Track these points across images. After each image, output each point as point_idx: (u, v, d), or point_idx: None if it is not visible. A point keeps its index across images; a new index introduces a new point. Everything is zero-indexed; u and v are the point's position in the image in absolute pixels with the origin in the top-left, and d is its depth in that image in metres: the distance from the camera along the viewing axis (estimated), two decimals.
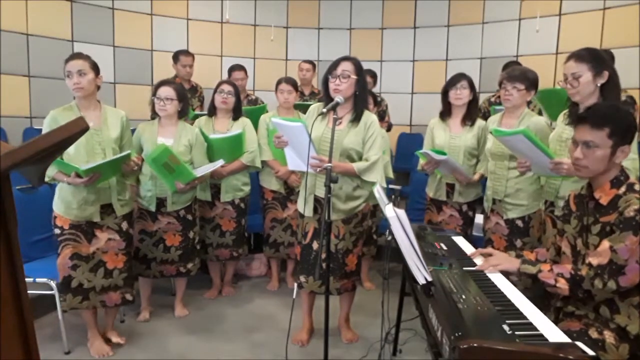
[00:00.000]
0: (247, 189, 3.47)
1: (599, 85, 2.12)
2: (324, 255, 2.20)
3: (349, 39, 6.13)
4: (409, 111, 6.04)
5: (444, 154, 2.84)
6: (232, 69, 4.46)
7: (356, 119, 2.56)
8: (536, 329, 1.35)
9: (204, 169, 3.03)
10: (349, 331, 2.89)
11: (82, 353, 2.66)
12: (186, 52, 4.56)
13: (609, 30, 4.67)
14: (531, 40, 5.23)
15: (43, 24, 4.78)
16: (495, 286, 1.68)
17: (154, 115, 3.12)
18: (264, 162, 3.46)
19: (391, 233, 1.64)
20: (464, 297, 1.51)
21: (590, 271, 1.58)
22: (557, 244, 1.93)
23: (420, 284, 1.59)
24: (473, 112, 3.02)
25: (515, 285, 1.71)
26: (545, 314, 1.47)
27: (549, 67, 4.96)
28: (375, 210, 3.49)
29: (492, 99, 4.22)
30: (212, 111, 3.42)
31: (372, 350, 2.71)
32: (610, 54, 3.44)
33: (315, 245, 2.65)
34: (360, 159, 2.57)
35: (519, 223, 2.68)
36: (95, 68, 2.49)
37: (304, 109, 3.38)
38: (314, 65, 4.73)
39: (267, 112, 3.78)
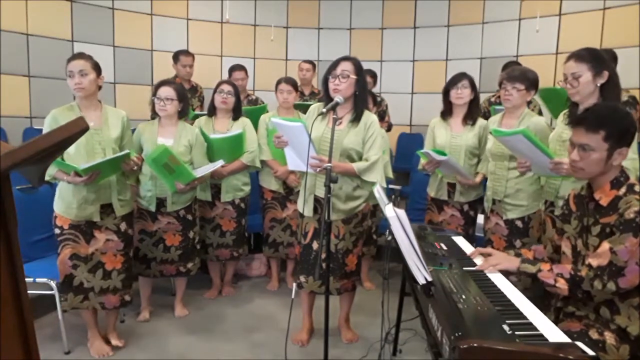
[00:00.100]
0: (247, 189, 3.47)
1: (598, 85, 2.12)
2: (324, 255, 2.20)
3: (349, 39, 6.13)
4: (409, 111, 6.04)
5: (444, 154, 2.84)
6: (232, 69, 4.47)
7: (356, 119, 2.56)
8: (536, 329, 1.35)
9: (204, 169, 3.03)
10: (349, 331, 2.89)
11: (82, 353, 2.66)
12: (186, 52, 4.56)
13: (609, 30, 4.67)
14: (531, 40, 5.22)
15: (43, 24, 4.78)
16: (495, 286, 1.68)
17: (154, 115, 3.12)
18: (263, 162, 3.47)
19: (391, 233, 1.64)
20: (464, 297, 1.51)
21: (590, 272, 1.58)
22: (555, 242, 1.94)
23: (420, 284, 1.59)
24: (474, 112, 3.02)
25: (515, 285, 1.71)
26: (545, 314, 1.47)
27: (549, 67, 4.96)
28: (375, 210, 3.49)
29: (492, 99, 4.22)
30: (212, 111, 3.42)
31: (372, 350, 2.71)
32: (613, 54, 3.44)
33: (315, 245, 2.65)
34: (360, 159, 2.57)
35: (519, 223, 2.68)
36: (97, 68, 2.50)
37: (304, 109, 3.38)
38: (314, 65, 4.73)
39: (267, 112, 3.78)
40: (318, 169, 2.43)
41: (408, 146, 5.58)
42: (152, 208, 2.97)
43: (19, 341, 0.98)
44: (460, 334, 1.26)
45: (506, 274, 1.79)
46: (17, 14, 4.60)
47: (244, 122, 3.39)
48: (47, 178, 2.42)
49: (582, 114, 1.72)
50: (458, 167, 2.87)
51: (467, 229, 3.04)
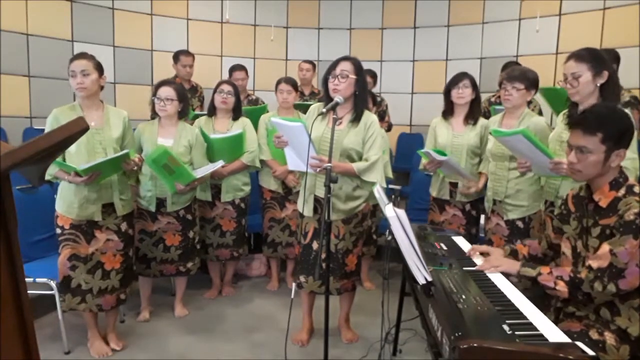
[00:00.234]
0: (247, 189, 3.47)
1: (598, 85, 2.12)
2: (323, 255, 2.20)
3: (349, 39, 6.13)
4: (409, 111, 6.04)
5: (444, 154, 2.84)
6: (233, 69, 4.47)
7: (356, 119, 2.56)
8: (536, 329, 1.35)
9: (204, 169, 3.03)
10: (349, 331, 2.89)
11: (82, 353, 2.66)
12: (186, 52, 4.56)
13: (609, 30, 4.67)
14: (531, 40, 5.22)
15: (43, 24, 4.78)
16: (495, 286, 1.68)
17: (154, 115, 3.12)
18: (262, 162, 3.47)
19: (391, 233, 1.64)
20: (464, 297, 1.51)
21: (590, 274, 1.58)
22: (550, 239, 1.94)
23: (420, 284, 1.59)
24: (476, 111, 3.02)
25: (515, 285, 1.71)
26: (545, 314, 1.47)
27: (549, 67, 4.96)
28: (375, 210, 3.49)
29: (492, 99, 4.22)
30: (212, 111, 3.42)
31: (372, 350, 2.71)
32: (616, 54, 3.44)
33: (315, 245, 2.65)
34: (360, 159, 2.57)
35: (519, 224, 2.68)
36: (99, 68, 2.50)
37: (304, 108, 3.38)
38: (314, 65, 4.73)
39: (267, 112, 3.78)
40: (318, 169, 2.43)
41: (408, 146, 5.58)
42: (152, 208, 2.98)
43: (19, 341, 0.98)
44: (460, 334, 1.26)
45: (506, 274, 1.80)
46: (17, 14, 4.60)
47: (244, 122, 3.39)
48: (48, 177, 2.43)
49: (579, 116, 1.72)
50: (458, 167, 2.87)
51: (469, 228, 3.04)
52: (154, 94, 2.97)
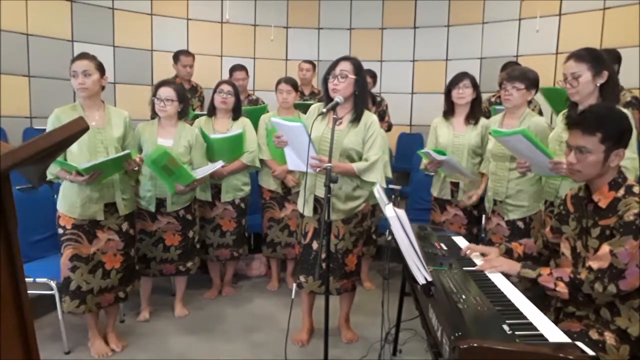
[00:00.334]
0: (247, 189, 3.47)
1: (598, 85, 2.12)
2: (323, 255, 2.20)
3: (349, 39, 6.13)
4: (409, 111, 6.04)
5: (444, 154, 2.84)
6: (233, 69, 4.47)
7: (356, 119, 2.56)
8: (536, 329, 1.35)
9: (204, 170, 3.03)
10: (349, 331, 2.89)
11: (82, 353, 2.66)
12: (186, 52, 4.56)
13: (609, 30, 4.67)
14: (531, 40, 5.22)
15: (43, 24, 4.78)
16: (495, 286, 1.68)
17: (154, 115, 3.12)
18: (262, 162, 3.47)
19: (391, 233, 1.64)
20: (464, 297, 1.51)
21: (590, 275, 1.58)
22: (547, 238, 1.94)
23: (420, 284, 1.59)
24: (477, 111, 3.02)
25: (515, 285, 1.71)
26: (545, 314, 1.47)
27: (549, 67, 4.96)
28: (374, 210, 3.49)
29: (493, 99, 4.22)
30: (212, 111, 3.42)
31: (372, 350, 2.71)
32: (617, 54, 3.44)
33: (315, 245, 2.65)
34: (360, 159, 2.57)
35: (520, 224, 2.67)
36: (101, 69, 2.51)
37: (304, 108, 3.38)
38: (314, 65, 4.73)
39: (267, 112, 3.78)
40: (318, 169, 2.43)
41: (408, 146, 5.58)
42: (152, 208, 2.98)
43: (19, 341, 0.98)
44: (460, 334, 1.26)
45: (506, 274, 1.80)
46: (17, 14, 4.60)
47: (244, 122, 3.39)
48: (49, 177, 2.43)
49: (578, 116, 1.72)
50: (459, 166, 2.87)
51: (470, 228, 3.04)
52: (154, 94, 2.97)
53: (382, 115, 4.20)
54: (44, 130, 3.67)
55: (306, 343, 2.82)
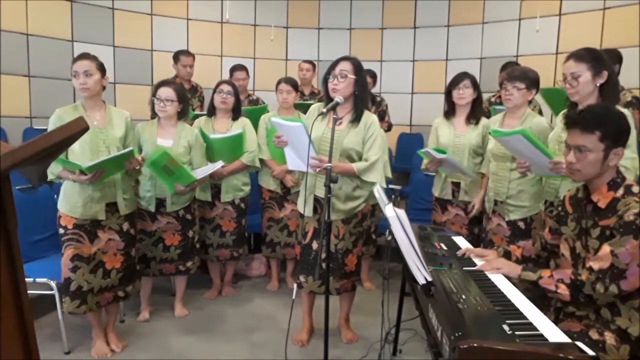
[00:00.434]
0: (247, 189, 3.47)
1: (598, 85, 2.12)
2: (323, 255, 2.20)
3: (349, 39, 6.13)
4: (409, 111, 6.04)
5: (444, 152, 2.83)
6: (233, 69, 4.46)
7: (356, 119, 2.56)
8: (536, 329, 1.35)
9: (204, 170, 3.03)
10: (349, 331, 2.89)
11: (82, 353, 2.66)
12: (186, 52, 4.56)
13: (609, 30, 4.67)
14: (531, 40, 5.22)
15: (43, 24, 4.78)
16: (495, 286, 1.68)
17: (154, 115, 3.12)
18: (262, 162, 3.47)
19: (391, 233, 1.64)
20: (464, 297, 1.51)
21: (591, 276, 1.58)
22: (545, 240, 1.94)
23: (420, 284, 1.59)
24: (477, 111, 3.02)
25: (516, 286, 1.71)
26: (545, 314, 1.47)
27: (549, 67, 4.96)
28: (374, 209, 3.49)
29: (493, 99, 4.21)
30: (212, 111, 3.42)
31: (372, 350, 2.71)
32: (618, 54, 3.44)
33: (315, 245, 2.65)
34: (360, 159, 2.57)
35: (521, 224, 2.67)
36: (102, 69, 2.52)
37: (304, 108, 3.38)
38: (314, 65, 4.73)
39: (267, 112, 3.78)
40: (318, 169, 2.43)
41: (408, 146, 5.58)
42: (152, 208, 2.98)
43: (19, 341, 0.98)
44: (460, 334, 1.26)
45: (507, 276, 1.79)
46: (17, 14, 4.60)
47: (244, 122, 3.39)
48: (51, 177, 2.44)
49: (576, 115, 1.72)
50: (459, 165, 2.86)
51: (471, 228, 3.03)
52: (154, 94, 2.97)
53: (382, 115, 4.20)
54: (44, 130, 3.68)
55: (306, 343, 2.82)
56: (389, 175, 3.56)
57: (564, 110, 2.33)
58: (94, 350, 2.64)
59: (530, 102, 2.77)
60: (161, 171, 2.78)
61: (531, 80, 2.65)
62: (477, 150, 2.99)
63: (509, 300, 1.55)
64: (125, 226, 2.65)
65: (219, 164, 3.09)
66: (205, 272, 3.61)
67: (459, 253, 2.04)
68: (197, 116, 3.62)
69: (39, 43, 4.77)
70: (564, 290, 1.62)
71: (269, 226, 3.62)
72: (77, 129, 0.99)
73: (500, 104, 3.40)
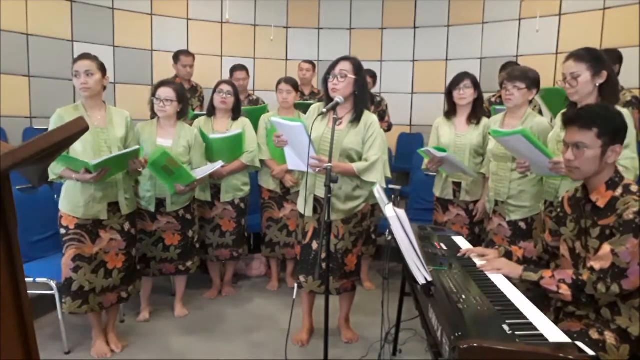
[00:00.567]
0: (247, 189, 3.47)
1: (597, 85, 2.12)
2: (323, 255, 2.20)
3: (349, 39, 6.13)
4: (409, 111, 6.04)
5: (445, 151, 2.83)
6: (233, 69, 4.46)
7: (356, 119, 2.56)
8: (536, 329, 1.35)
9: (204, 170, 3.03)
10: (349, 331, 2.89)
11: (82, 353, 2.66)
12: (186, 52, 4.56)
13: (609, 30, 4.67)
14: (531, 40, 5.22)
15: (43, 24, 4.78)
16: (495, 286, 1.68)
17: (154, 115, 3.13)
18: (262, 162, 3.47)
19: (391, 233, 1.64)
20: (464, 297, 1.51)
21: (593, 275, 1.58)
22: (546, 242, 1.94)
23: (420, 284, 1.59)
24: (478, 111, 3.01)
25: (517, 286, 1.71)
26: (545, 314, 1.47)
27: (549, 67, 4.96)
28: (373, 209, 3.49)
29: (493, 99, 4.22)
30: (212, 111, 3.42)
31: (372, 350, 2.71)
32: (618, 54, 3.43)
33: (314, 245, 2.65)
34: (360, 159, 2.57)
35: (522, 225, 2.67)
36: (103, 69, 2.53)
37: (304, 108, 3.38)
38: (314, 65, 4.73)
39: (267, 112, 3.78)
40: (318, 169, 2.43)
41: (408, 146, 5.58)
42: (152, 208, 2.98)
43: (19, 341, 0.98)
44: (460, 334, 1.26)
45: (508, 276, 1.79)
46: (17, 14, 4.60)
47: (244, 122, 3.39)
48: (52, 177, 2.44)
49: (574, 113, 1.73)
50: (459, 164, 2.85)
51: (472, 228, 3.03)
52: (153, 94, 2.97)
53: (382, 115, 4.20)
54: (44, 130, 3.67)
55: (306, 343, 2.82)
56: (389, 175, 3.57)
57: (564, 110, 2.33)
58: (94, 350, 2.64)
59: (530, 102, 2.77)
60: (161, 171, 2.78)
61: (532, 80, 2.65)
62: (478, 150, 2.98)
63: (509, 300, 1.55)
64: (127, 226, 2.66)
65: (218, 164, 3.08)
66: (205, 272, 3.61)
67: (459, 254, 2.04)
68: (197, 116, 3.62)
69: (39, 43, 4.77)
70: (565, 291, 1.62)
71: (268, 226, 3.62)
72: (77, 129, 0.99)
73: (501, 104, 3.40)
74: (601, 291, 1.55)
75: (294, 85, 3.55)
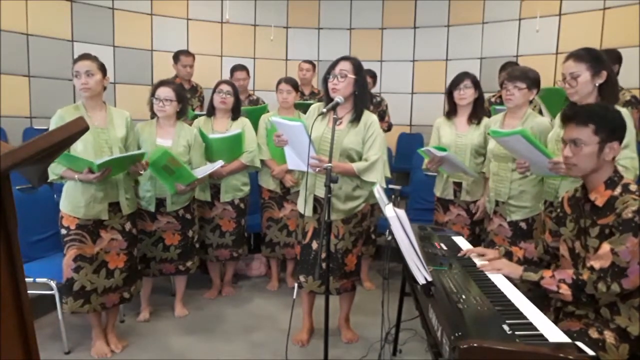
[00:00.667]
0: (246, 189, 3.47)
1: (597, 85, 2.12)
2: (323, 255, 2.20)
3: (349, 39, 6.13)
4: (409, 111, 6.03)
5: (444, 150, 2.83)
6: (234, 69, 4.46)
7: (356, 119, 2.56)
8: (536, 329, 1.35)
9: (204, 169, 3.03)
10: (349, 331, 2.89)
11: (82, 353, 2.66)
12: (186, 52, 4.56)
13: (609, 30, 4.67)
14: (531, 40, 5.22)
15: (43, 24, 4.78)
16: (495, 286, 1.68)
17: (153, 115, 3.13)
18: (262, 162, 3.47)
19: (391, 233, 1.64)
20: (464, 297, 1.51)
21: (593, 275, 1.58)
22: (546, 243, 1.94)
23: (420, 284, 1.59)
24: (479, 111, 3.01)
25: (518, 286, 1.71)
26: (545, 314, 1.47)
27: (549, 67, 4.96)
28: (372, 209, 3.49)
29: (493, 99, 4.22)
30: (211, 111, 3.42)
31: (372, 350, 2.71)
32: (617, 54, 3.43)
33: (314, 245, 2.65)
34: (360, 159, 2.57)
35: (523, 225, 2.66)
36: (103, 69, 2.54)
37: (304, 108, 3.38)
38: (313, 65, 4.73)
39: (267, 112, 3.78)
40: (318, 169, 2.43)
41: (408, 146, 5.57)
42: (152, 208, 2.98)
43: (19, 341, 0.98)
44: (460, 334, 1.26)
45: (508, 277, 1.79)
46: (17, 14, 4.60)
47: (243, 122, 3.39)
48: (53, 177, 2.44)
49: (571, 110, 1.74)
50: (459, 163, 2.85)
51: (473, 228, 3.02)
52: (153, 94, 2.97)
53: (382, 115, 4.20)
54: (44, 130, 3.67)
55: (306, 343, 2.82)
56: (388, 175, 3.56)
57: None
58: (94, 350, 2.64)
59: (530, 102, 2.77)
60: (161, 171, 2.79)
61: (532, 80, 2.65)
62: (479, 150, 2.98)
63: (509, 300, 1.55)
64: (128, 226, 2.66)
65: (218, 164, 3.08)
66: (205, 272, 3.61)
67: (459, 254, 2.04)
68: (196, 116, 3.62)
69: (39, 43, 4.77)
70: (565, 291, 1.62)
71: (268, 226, 3.62)
72: (77, 129, 0.99)
73: (501, 104, 3.40)
74: (601, 290, 1.55)
75: (294, 85, 3.55)
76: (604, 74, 2.11)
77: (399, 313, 2.57)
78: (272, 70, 5.86)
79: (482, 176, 2.97)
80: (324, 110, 2.40)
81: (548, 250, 1.95)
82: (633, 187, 1.63)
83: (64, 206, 2.53)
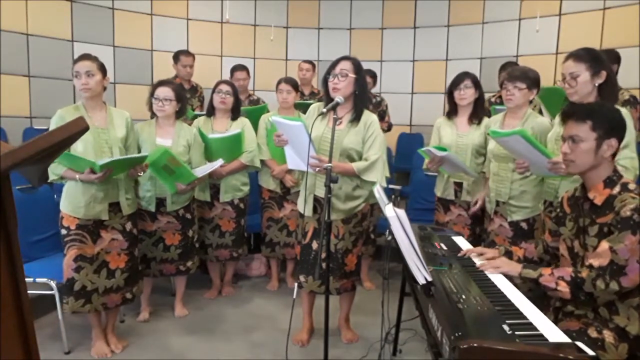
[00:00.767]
0: (246, 189, 3.47)
1: (596, 85, 2.12)
2: (323, 255, 2.20)
3: (349, 39, 6.13)
4: (409, 111, 6.03)
5: (445, 150, 2.83)
6: (234, 69, 4.46)
7: (356, 118, 2.56)
8: (536, 329, 1.35)
9: (204, 169, 3.03)
10: (349, 331, 2.89)
11: (82, 353, 2.66)
12: (186, 52, 4.56)
13: (609, 30, 4.67)
14: (531, 40, 5.22)
15: (43, 24, 4.79)
16: (495, 286, 1.68)
17: (153, 114, 3.13)
18: (262, 162, 3.47)
19: (391, 233, 1.64)
20: (464, 297, 1.51)
21: (592, 273, 1.58)
22: (546, 243, 1.94)
23: (420, 284, 1.59)
24: (480, 111, 3.00)
25: (519, 286, 1.71)
26: (545, 313, 1.47)
27: (549, 67, 4.96)
28: (372, 209, 3.48)
29: (493, 99, 4.22)
30: (211, 111, 3.42)
31: (372, 350, 2.71)
32: (616, 54, 3.44)
33: (314, 245, 2.65)
34: (360, 158, 2.57)
35: (524, 225, 2.66)
36: (103, 69, 2.54)
37: (304, 108, 3.38)
38: (313, 65, 4.73)
39: (267, 112, 3.78)
40: (318, 169, 2.43)
41: (408, 146, 5.57)
42: (152, 208, 2.98)
43: (19, 341, 0.98)
44: (460, 334, 1.26)
45: (508, 275, 1.79)
46: (17, 14, 4.60)
47: (243, 122, 3.39)
48: (53, 178, 2.44)
49: (570, 108, 1.75)
50: (460, 163, 2.84)
51: (474, 228, 3.02)
52: (152, 94, 2.97)
53: (382, 115, 4.20)
54: (44, 130, 3.68)
55: (306, 343, 2.82)
56: (388, 174, 3.56)
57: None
58: (94, 351, 2.64)
59: (530, 102, 2.77)
60: (161, 171, 2.79)
61: (532, 80, 2.65)
62: (480, 150, 2.98)
63: (509, 300, 1.55)
64: (128, 226, 2.66)
65: (218, 163, 3.08)
66: (205, 272, 3.61)
67: (459, 254, 2.04)
68: (196, 116, 3.62)
69: (39, 43, 4.78)
70: (564, 288, 1.62)
71: (268, 226, 3.62)
72: (77, 129, 0.99)
73: (501, 104, 3.40)
74: (600, 288, 1.55)
75: (294, 85, 3.55)
76: (604, 74, 2.11)
77: (399, 313, 2.57)
78: (272, 70, 5.86)
79: (483, 176, 2.97)
80: (324, 110, 2.40)
81: (548, 250, 1.95)
82: (632, 186, 1.64)
83: (64, 206, 2.53)
